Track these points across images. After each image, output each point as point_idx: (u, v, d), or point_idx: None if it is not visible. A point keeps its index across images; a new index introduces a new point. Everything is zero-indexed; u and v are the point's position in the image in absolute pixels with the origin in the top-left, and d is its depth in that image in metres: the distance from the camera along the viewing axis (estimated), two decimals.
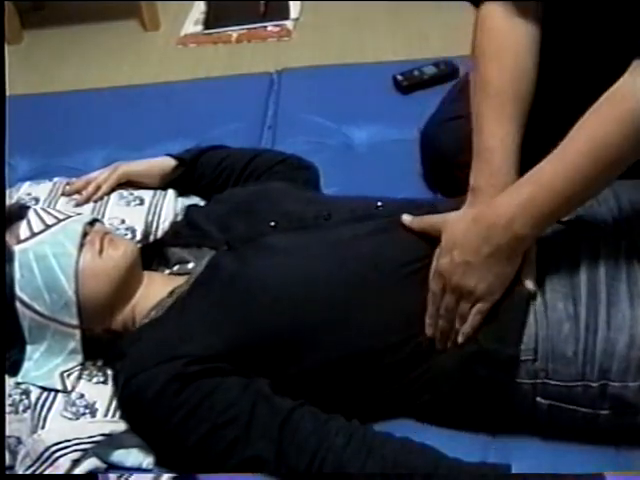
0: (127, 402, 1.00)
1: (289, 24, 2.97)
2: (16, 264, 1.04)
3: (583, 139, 0.94)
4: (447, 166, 1.36)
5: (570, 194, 0.95)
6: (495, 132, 1.04)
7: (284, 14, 3.01)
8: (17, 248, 1.05)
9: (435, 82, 1.72)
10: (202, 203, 1.35)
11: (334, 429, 0.93)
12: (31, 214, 1.10)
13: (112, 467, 1.01)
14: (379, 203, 1.14)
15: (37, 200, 1.32)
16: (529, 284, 1.00)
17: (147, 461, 1.01)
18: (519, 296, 1.00)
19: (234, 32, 2.96)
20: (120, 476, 0.98)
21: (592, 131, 0.93)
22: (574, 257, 1.03)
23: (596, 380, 0.96)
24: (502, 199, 0.99)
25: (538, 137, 1.03)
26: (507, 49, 1.07)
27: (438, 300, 1.01)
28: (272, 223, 1.12)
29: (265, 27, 2.96)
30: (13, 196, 1.33)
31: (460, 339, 1.00)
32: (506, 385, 0.99)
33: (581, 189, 0.95)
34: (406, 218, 1.07)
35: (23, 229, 1.07)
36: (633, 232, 1.06)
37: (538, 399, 0.99)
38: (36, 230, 1.07)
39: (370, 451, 0.91)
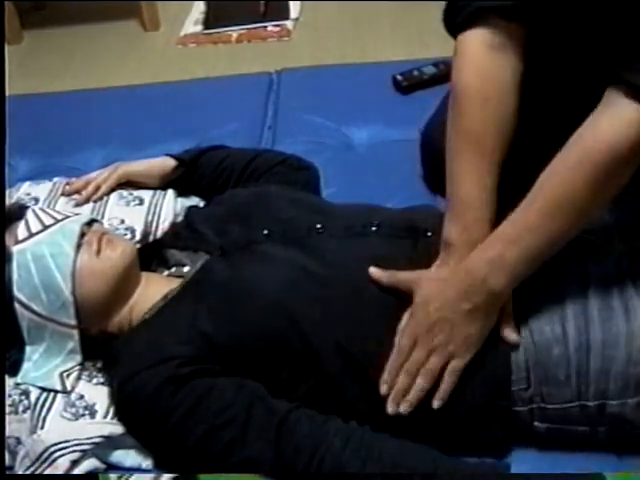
0: (123, 405, 1.00)
1: (289, 24, 2.97)
2: (14, 264, 1.04)
3: (547, 189, 0.92)
4: None
5: (539, 248, 0.94)
6: (472, 185, 1.00)
7: (284, 14, 3.01)
8: (15, 248, 1.05)
9: (435, 82, 1.72)
10: (202, 203, 1.35)
11: (332, 430, 0.93)
12: (29, 214, 1.10)
13: (111, 467, 1.01)
14: (373, 228, 1.10)
15: (37, 200, 1.32)
16: (511, 335, 0.98)
17: (146, 462, 1.01)
18: (501, 350, 0.98)
19: (234, 32, 2.96)
20: (120, 476, 0.98)
21: (556, 179, 0.92)
22: (560, 276, 1.01)
23: (592, 399, 0.95)
24: (473, 259, 0.96)
25: (517, 174, 1.00)
26: (494, 92, 1.01)
27: (404, 355, 0.97)
28: (265, 231, 1.12)
29: (265, 27, 2.96)
30: (13, 196, 1.33)
31: (436, 404, 0.96)
32: (502, 416, 0.98)
33: (550, 242, 0.94)
34: (375, 272, 1.02)
35: (21, 229, 1.07)
36: (624, 244, 1.05)
37: (535, 423, 0.98)
38: (34, 230, 1.07)
39: (369, 452, 0.91)
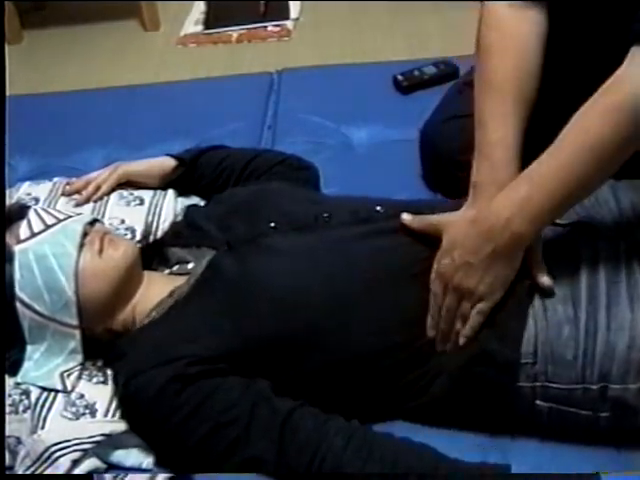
0: (127, 402, 1.00)
1: (289, 24, 2.97)
2: (16, 264, 1.04)
3: (576, 134, 0.94)
4: (447, 166, 1.36)
5: (566, 192, 0.95)
6: (497, 127, 1.04)
7: (284, 14, 3.02)
8: (17, 248, 1.05)
9: (435, 82, 1.72)
10: (202, 203, 1.35)
11: (334, 429, 0.93)
12: (31, 214, 1.10)
13: (112, 467, 1.01)
14: (378, 208, 1.13)
15: (37, 200, 1.32)
16: (544, 280, 0.99)
17: (147, 461, 1.00)
18: (520, 297, 1.00)
19: (234, 32, 2.96)
20: (115, 476, 0.98)
21: (585, 125, 0.93)
22: (574, 260, 1.02)
23: (596, 383, 0.96)
24: (499, 199, 0.98)
25: (541, 132, 1.02)
26: (513, 44, 1.06)
27: (439, 301, 1.01)
28: (272, 224, 1.12)
29: (265, 27, 2.97)
30: (13, 196, 1.33)
31: (461, 341, 1.00)
32: (506, 388, 0.98)
33: (576, 187, 0.95)
34: (406, 217, 1.07)
35: (23, 229, 1.07)
36: (633, 233, 1.06)
37: (538, 402, 0.98)
38: (36, 230, 1.07)
39: (370, 451, 0.91)
